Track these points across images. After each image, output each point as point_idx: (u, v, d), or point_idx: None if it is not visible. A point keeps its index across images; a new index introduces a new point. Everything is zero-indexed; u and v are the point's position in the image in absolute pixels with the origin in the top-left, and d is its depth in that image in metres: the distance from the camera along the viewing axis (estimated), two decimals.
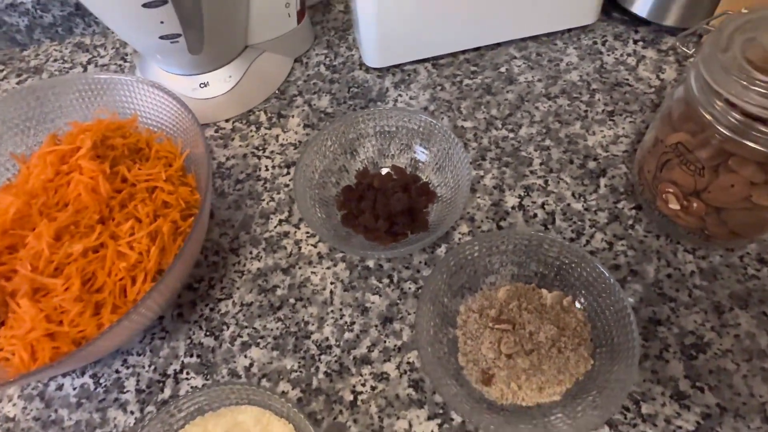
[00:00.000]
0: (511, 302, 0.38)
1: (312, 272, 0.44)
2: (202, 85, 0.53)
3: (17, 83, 0.60)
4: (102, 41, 0.63)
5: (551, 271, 0.39)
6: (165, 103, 0.44)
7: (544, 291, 0.39)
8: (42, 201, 0.40)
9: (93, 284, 0.37)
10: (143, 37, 0.48)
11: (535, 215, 0.45)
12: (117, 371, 0.41)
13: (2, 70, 0.62)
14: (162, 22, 0.45)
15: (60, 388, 0.40)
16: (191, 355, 0.41)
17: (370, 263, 0.44)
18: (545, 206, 0.45)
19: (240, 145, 0.52)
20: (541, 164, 0.48)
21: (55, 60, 0.62)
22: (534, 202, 0.46)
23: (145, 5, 0.43)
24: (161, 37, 0.47)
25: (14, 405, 0.40)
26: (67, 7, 0.61)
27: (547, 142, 0.49)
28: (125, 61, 0.61)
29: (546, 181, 0.47)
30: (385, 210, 0.43)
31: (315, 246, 0.45)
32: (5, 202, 0.40)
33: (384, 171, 0.48)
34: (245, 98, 0.54)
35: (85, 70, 0.60)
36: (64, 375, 0.41)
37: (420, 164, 0.47)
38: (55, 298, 0.36)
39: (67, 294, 0.36)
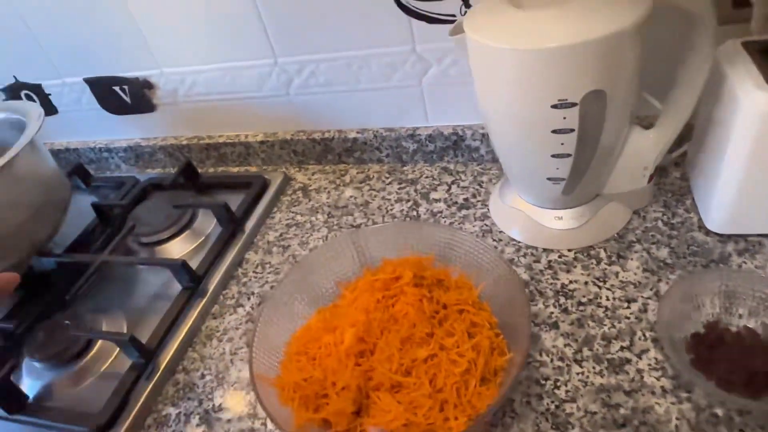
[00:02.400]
0: None
1: (656, 403, 0.48)
2: (556, 218, 0.64)
3: (398, 188, 0.80)
4: (463, 169, 0.81)
5: None
6: (484, 250, 0.55)
7: None
8: (378, 317, 0.52)
9: (435, 384, 0.47)
10: (533, 176, 0.62)
11: None
12: None
13: (388, 178, 0.83)
14: (557, 168, 0.58)
15: None
16: None
17: (719, 411, 0.46)
18: None
19: (582, 273, 0.61)
20: None
21: (426, 177, 0.81)
22: None
23: (553, 156, 0.56)
24: (548, 179, 0.60)
25: None
26: (447, 142, 0.81)
27: None
28: (480, 186, 0.77)
29: None
30: (744, 365, 0.46)
31: (658, 379, 0.49)
32: (355, 317, 0.52)
33: (733, 328, 0.51)
34: (589, 235, 0.64)
35: (449, 189, 0.78)
36: None
37: None
38: (411, 394, 0.47)
39: (419, 391, 0.47)
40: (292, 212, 0.82)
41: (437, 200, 0.77)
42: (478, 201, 0.75)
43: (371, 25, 0.73)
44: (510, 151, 0.62)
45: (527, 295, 0.59)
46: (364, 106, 0.83)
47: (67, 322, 0.68)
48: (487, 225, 0.71)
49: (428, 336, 0.50)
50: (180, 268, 0.69)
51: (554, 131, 0.54)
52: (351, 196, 0.82)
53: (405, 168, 0.85)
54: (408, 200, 0.78)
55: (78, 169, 0.96)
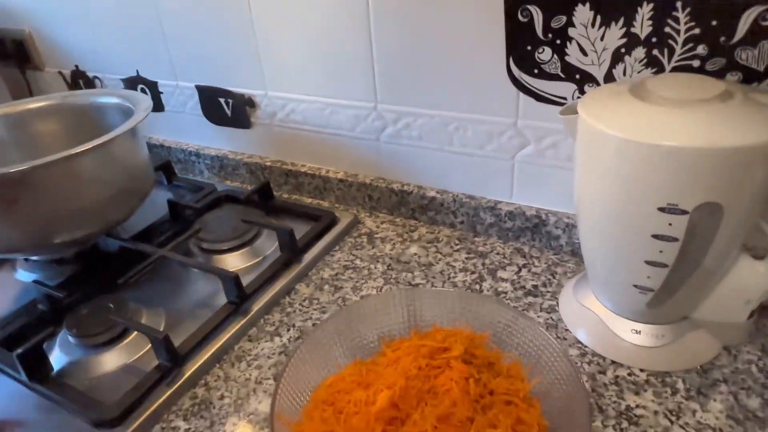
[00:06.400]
0: None
1: None
2: (633, 331, 0.58)
3: (466, 258, 0.77)
4: (538, 255, 0.76)
5: None
6: (547, 344, 0.51)
7: None
8: (417, 385, 0.48)
9: None
10: (618, 279, 0.57)
11: None
12: None
13: (458, 245, 0.80)
14: (648, 277, 0.53)
15: None
16: None
17: None
18: None
19: (652, 400, 0.54)
20: None
21: (498, 253, 0.77)
22: None
23: (647, 262, 0.51)
24: (635, 286, 0.54)
25: None
26: (527, 224, 0.77)
27: None
28: (553, 276, 0.72)
29: None
30: None
31: None
32: (393, 378, 0.49)
33: None
34: (668, 360, 0.57)
35: (519, 271, 0.73)
36: None
37: None
38: None
39: None
40: (353, 255, 0.80)
41: (504, 279, 0.72)
42: (548, 291, 0.69)
43: (478, 91, 0.72)
44: (599, 247, 0.57)
45: (592, 407, 0.53)
46: (449, 168, 0.81)
47: (110, 305, 0.68)
48: (552, 319, 0.65)
49: (468, 420, 0.46)
50: (231, 281, 0.68)
51: (655, 236, 0.49)
52: (415, 254, 0.79)
53: (477, 239, 0.81)
54: (473, 272, 0.74)
55: (165, 165, 1.00)
